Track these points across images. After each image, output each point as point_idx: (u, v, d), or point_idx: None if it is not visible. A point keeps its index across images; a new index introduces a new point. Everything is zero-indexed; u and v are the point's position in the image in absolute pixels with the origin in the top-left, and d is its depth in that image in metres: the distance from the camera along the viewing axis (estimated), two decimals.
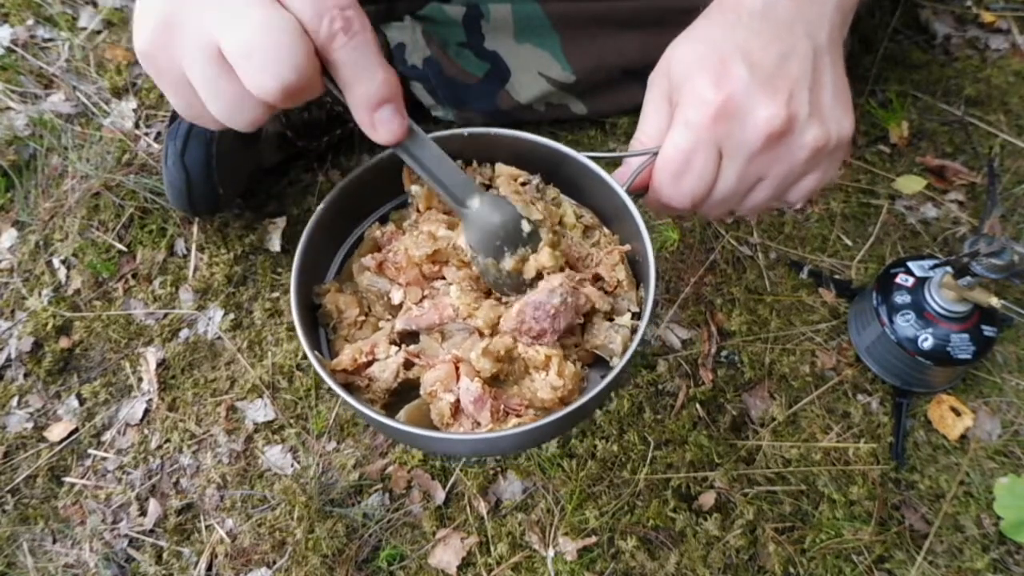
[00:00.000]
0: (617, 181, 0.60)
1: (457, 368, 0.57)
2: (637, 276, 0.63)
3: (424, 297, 0.61)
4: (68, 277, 1.06)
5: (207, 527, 0.89)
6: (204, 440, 0.94)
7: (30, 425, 0.96)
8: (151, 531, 0.89)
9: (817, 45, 0.59)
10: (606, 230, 0.65)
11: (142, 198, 1.08)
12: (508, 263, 0.58)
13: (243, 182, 1.03)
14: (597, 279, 0.62)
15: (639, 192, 0.61)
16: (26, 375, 0.99)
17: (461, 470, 0.89)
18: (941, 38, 1.23)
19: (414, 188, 0.63)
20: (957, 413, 0.91)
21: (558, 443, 0.89)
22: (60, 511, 0.91)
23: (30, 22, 1.29)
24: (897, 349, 0.87)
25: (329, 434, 0.93)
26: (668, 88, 0.60)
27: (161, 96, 1.20)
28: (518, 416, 0.56)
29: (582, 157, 0.62)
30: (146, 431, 0.95)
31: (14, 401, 0.98)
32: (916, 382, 0.90)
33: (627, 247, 0.62)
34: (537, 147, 0.63)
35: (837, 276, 1.01)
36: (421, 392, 0.58)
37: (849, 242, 1.04)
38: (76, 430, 0.96)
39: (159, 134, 1.15)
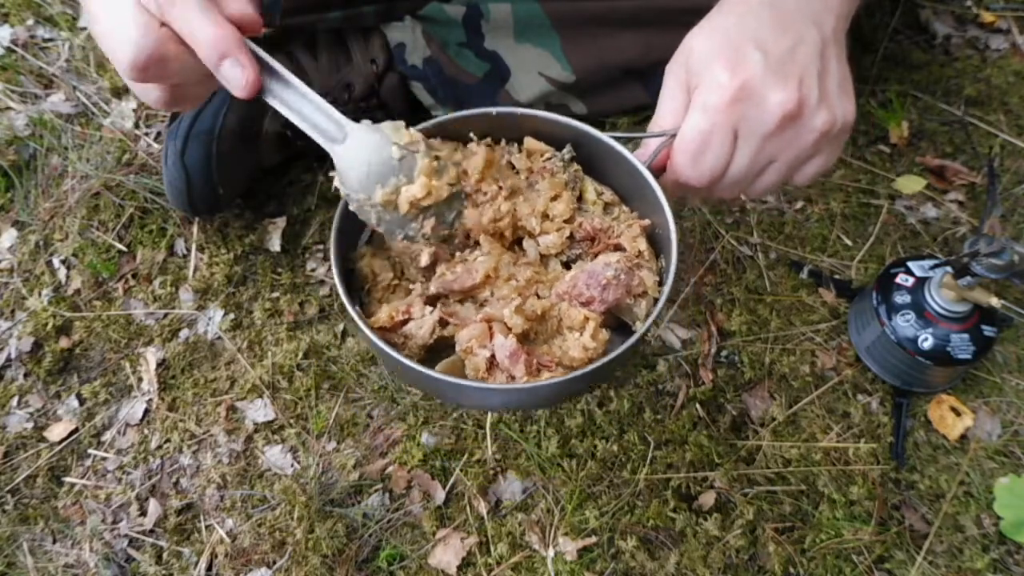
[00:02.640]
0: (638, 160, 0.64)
1: (490, 326, 0.60)
2: (657, 250, 0.66)
3: (456, 261, 0.65)
4: (68, 277, 1.06)
5: (207, 527, 0.89)
6: (204, 440, 0.94)
7: (30, 425, 0.96)
8: (151, 531, 0.89)
9: (823, 35, 0.62)
10: (625, 207, 0.68)
11: (142, 198, 1.08)
12: (378, 196, 0.58)
13: (243, 182, 1.03)
14: (618, 249, 0.65)
15: (656, 173, 0.64)
16: (26, 375, 0.99)
17: (461, 470, 0.89)
18: (941, 38, 1.23)
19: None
20: (957, 413, 0.91)
21: (558, 443, 0.89)
22: (60, 511, 0.91)
23: (30, 22, 1.29)
24: (897, 349, 0.87)
25: (329, 434, 0.93)
26: (685, 76, 0.63)
27: None
28: (550, 371, 0.59)
29: (605, 137, 0.65)
30: (146, 431, 0.95)
31: (14, 401, 0.98)
32: (916, 382, 0.90)
33: (647, 221, 0.66)
34: (560, 127, 0.67)
35: (837, 276, 1.01)
36: (457, 349, 0.61)
37: (849, 242, 1.04)
38: (76, 430, 0.96)
39: (159, 134, 1.15)
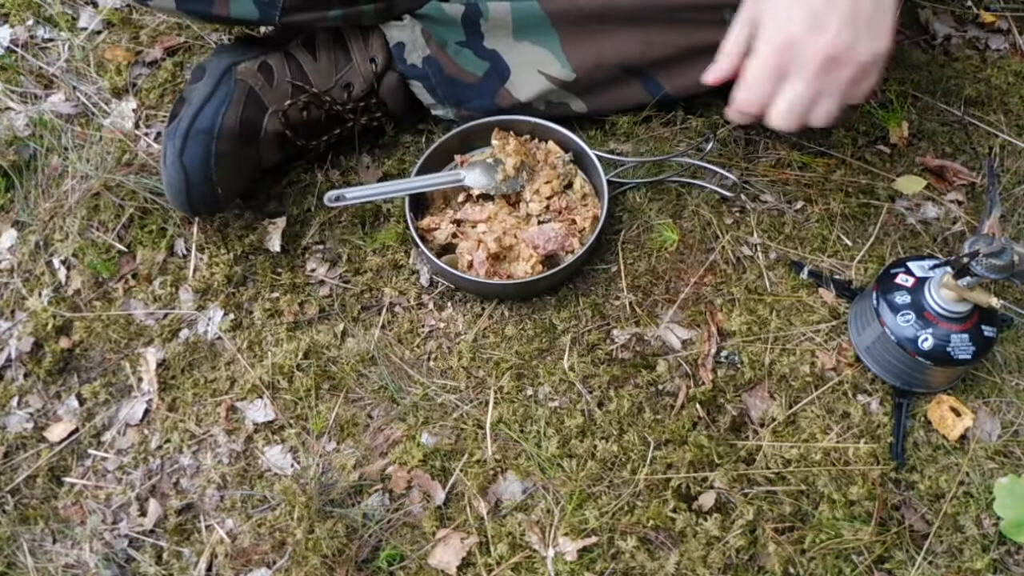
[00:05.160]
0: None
1: (478, 244, 0.98)
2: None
3: (477, 203, 1.04)
4: (68, 277, 1.06)
5: (207, 527, 0.89)
6: (204, 440, 0.94)
7: (30, 425, 0.96)
8: (151, 531, 0.89)
9: None
10: (595, 199, 1.04)
11: (142, 198, 1.08)
12: (499, 176, 1.02)
13: (243, 182, 1.03)
14: (573, 223, 1.01)
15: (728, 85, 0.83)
16: (26, 375, 0.99)
17: (461, 470, 0.89)
18: (941, 38, 1.23)
19: (494, 142, 1.05)
20: (957, 413, 0.91)
21: (558, 443, 0.89)
22: (60, 511, 0.91)
23: (30, 22, 1.29)
24: (897, 349, 0.87)
25: (329, 434, 0.93)
26: (750, 19, 0.80)
27: (161, 96, 1.20)
28: (501, 279, 0.97)
29: (591, 152, 1.03)
30: (146, 431, 0.95)
31: (14, 401, 0.98)
32: (916, 382, 0.90)
33: (597, 211, 1.02)
34: (564, 137, 1.06)
35: (837, 276, 1.01)
36: (456, 252, 0.99)
37: (849, 242, 1.04)
38: (76, 430, 0.96)
39: (159, 134, 1.15)
